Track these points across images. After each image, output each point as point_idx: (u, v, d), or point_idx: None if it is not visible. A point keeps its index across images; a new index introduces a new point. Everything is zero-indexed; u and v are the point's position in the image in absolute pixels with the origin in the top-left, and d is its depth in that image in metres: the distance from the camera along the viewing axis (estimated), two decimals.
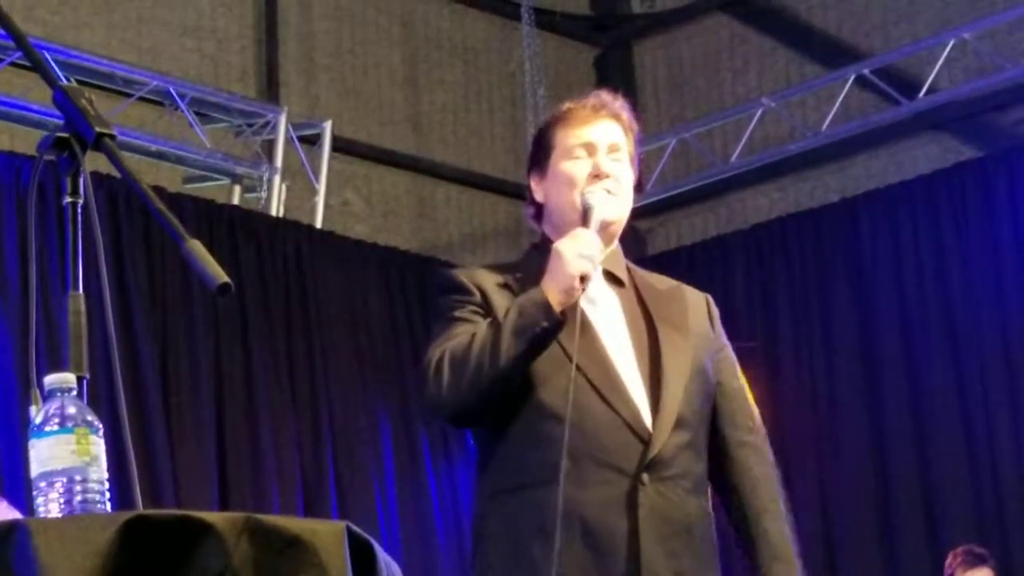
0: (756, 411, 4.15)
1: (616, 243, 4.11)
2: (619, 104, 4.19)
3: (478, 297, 3.97)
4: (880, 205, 10.19)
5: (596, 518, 3.81)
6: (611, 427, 3.86)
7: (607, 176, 3.99)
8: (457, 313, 3.95)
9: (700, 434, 3.96)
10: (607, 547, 3.79)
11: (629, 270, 4.13)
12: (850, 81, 10.08)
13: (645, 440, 3.83)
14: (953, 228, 9.87)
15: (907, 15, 10.73)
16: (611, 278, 4.05)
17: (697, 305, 4.19)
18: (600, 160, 4.00)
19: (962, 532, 9.27)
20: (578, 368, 3.84)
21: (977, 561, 8.26)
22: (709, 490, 4.00)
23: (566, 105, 4.17)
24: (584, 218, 3.91)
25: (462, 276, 4.05)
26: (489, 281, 4.02)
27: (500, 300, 3.95)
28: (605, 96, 4.20)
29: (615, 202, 3.99)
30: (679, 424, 3.87)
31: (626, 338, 3.98)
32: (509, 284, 3.99)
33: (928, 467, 9.65)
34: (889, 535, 9.70)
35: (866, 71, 10.04)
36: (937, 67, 9.73)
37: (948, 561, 8.32)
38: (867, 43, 10.70)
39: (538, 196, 4.09)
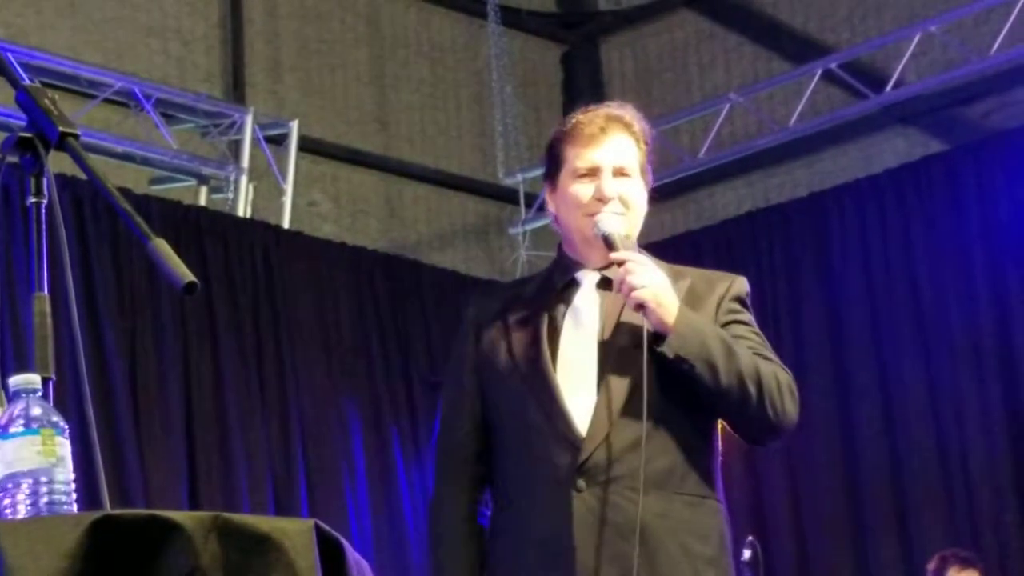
0: (785, 373, 3.99)
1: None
2: (629, 115, 4.18)
3: (470, 344, 4.08)
4: (848, 199, 10.21)
5: (545, 531, 3.83)
6: (548, 438, 3.88)
7: (611, 199, 3.98)
8: (449, 378, 4.20)
9: (671, 427, 3.88)
10: (555, 560, 3.80)
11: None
12: (817, 76, 10.10)
13: (577, 447, 3.83)
14: (921, 222, 9.89)
15: (873, 9, 10.75)
16: (605, 283, 4.02)
17: (700, 290, 4.09)
18: (604, 184, 4.00)
19: (932, 523, 9.30)
20: (523, 380, 3.93)
21: (968, 563, 8.27)
22: (703, 479, 3.92)
23: (576, 117, 4.17)
24: (609, 246, 3.93)
25: (469, 313, 4.17)
26: (493, 308, 4.13)
27: (489, 335, 4.05)
28: (614, 109, 4.20)
29: (624, 220, 3.99)
30: (626, 424, 3.82)
31: (593, 344, 3.95)
32: (512, 302, 4.10)
33: (898, 457, 9.66)
34: (860, 528, 9.71)
35: (833, 65, 10.07)
36: (904, 61, 9.76)
37: (934, 564, 8.31)
38: (834, 37, 10.73)
39: (551, 207, 4.14)
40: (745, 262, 10.47)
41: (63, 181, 2.43)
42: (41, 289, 2.72)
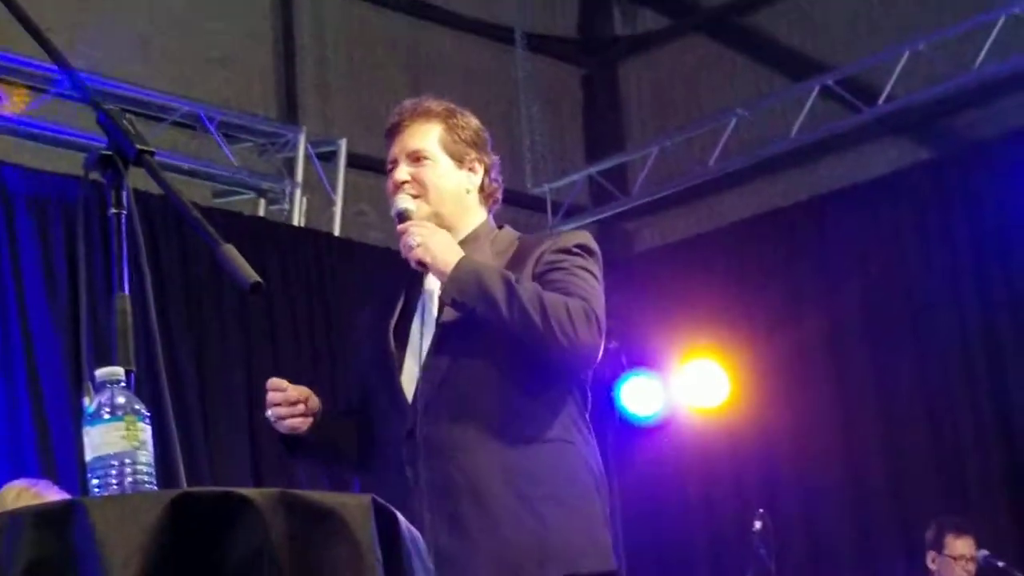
0: (578, 300, 3.78)
1: (470, 230, 4.02)
2: (429, 103, 4.13)
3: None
4: (845, 203, 10.18)
5: (387, 496, 3.71)
6: (390, 419, 3.86)
7: (401, 183, 3.97)
8: None
9: (498, 381, 3.78)
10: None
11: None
12: (815, 91, 10.07)
13: (407, 417, 3.80)
14: (912, 224, 9.85)
15: (865, 30, 10.72)
16: None
17: (525, 250, 3.97)
18: (397, 172, 3.99)
19: (930, 495, 9.29)
20: (373, 366, 3.96)
21: (962, 529, 8.25)
22: (537, 426, 3.77)
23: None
24: (400, 220, 3.95)
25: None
26: (378, 300, 4.22)
27: (364, 326, 4.19)
28: (405, 104, 4.15)
29: (422, 200, 3.96)
30: (446, 394, 3.76)
31: (431, 325, 3.90)
32: (386, 293, 4.17)
33: (895, 450, 9.63)
34: (862, 499, 9.69)
35: (829, 82, 10.03)
36: (894, 77, 9.72)
37: (931, 534, 8.29)
38: (830, 56, 10.69)
39: None
40: (752, 260, 10.48)
41: (136, 195, 2.47)
42: (122, 290, 2.74)
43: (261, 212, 9.77)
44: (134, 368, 2.65)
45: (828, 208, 10.29)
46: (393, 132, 4.05)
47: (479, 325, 3.73)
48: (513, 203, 11.32)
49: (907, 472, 9.61)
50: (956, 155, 10.02)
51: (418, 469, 3.74)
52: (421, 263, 3.82)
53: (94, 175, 2.84)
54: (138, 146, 2.79)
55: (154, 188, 2.94)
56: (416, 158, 3.98)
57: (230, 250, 2.83)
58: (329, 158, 10.01)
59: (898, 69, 9.71)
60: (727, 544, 9.75)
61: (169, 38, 9.89)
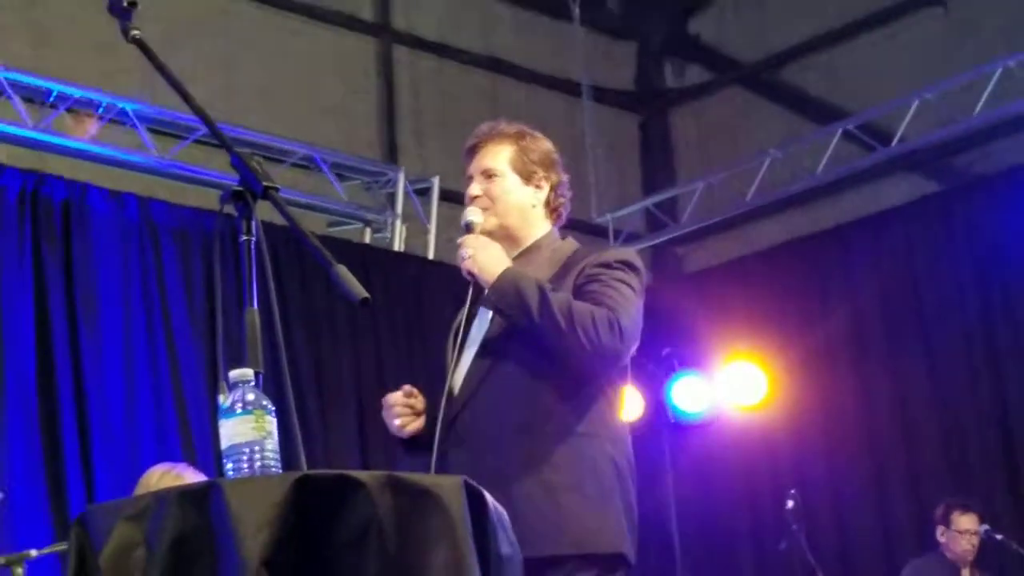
0: (604, 310, 3.64)
1: (532, 240, 3.90)
2: (492, 131, 4.01)
3: None
4: (865, 230, 10.14)
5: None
6: (438, 402, 3.74)
7: (475, 197, 3.88)
8: None
9: (529, 381, 3.63)
10: None
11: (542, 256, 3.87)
12: (838, 134, 10.02)
13: (451, 413, 3.70)
14: (922, 248, 9.80)
15: (881, 81, 10.67)
16: None
17: (573, 262, 3.83)
18: (471, 188, 3.91)
19: (941, 480, 9.22)
20: (445, 357, 3.85)
21: (968, 508, 8.19)
22: (564, 422, 3.62)
23: None
24: (467, 231, 3.87)
25: None
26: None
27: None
28: (482, 127, 4.05)
29: (490, 212, 3.87)
30: (485, 390, 3.65)
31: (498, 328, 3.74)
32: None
33: (909, 441, 9.58)
34: (882, 483, 9.65)
35: (850, 126, 9.98)
36: (906, 121, 9.67)
37: (940, 511, 8.24)
38: (850, 104, 10.64)
39: None
40: (784, 279, 10.43)
41: (263, 225, 2.49)
42: (252, 304, 2.76)
43: (367, 239, 9.81)
44: (261, 370, 2.67)
45: (850, 234, 10.24)
46: (471, 152, 3.96)
47: (519, 333, 3.63)
48: (579, 230, 11.34)
49: (919, 459, 9.54)
50: (959, 189, 9.95)
51: (452, 454, 3.63)
52: (470, 273, 3.74)
53: (228, 208, 2.86)
54: (264, 183, 2.82)
55: (277, 219, 2.96)
56: (488, 175, 3.89)
57: (342, 270, 2.85)
58: (424, 193, 10.04)
59: (909, 115, 9.66)
60: (765, 521, 9.70)
61: (288, 92, 9.96)
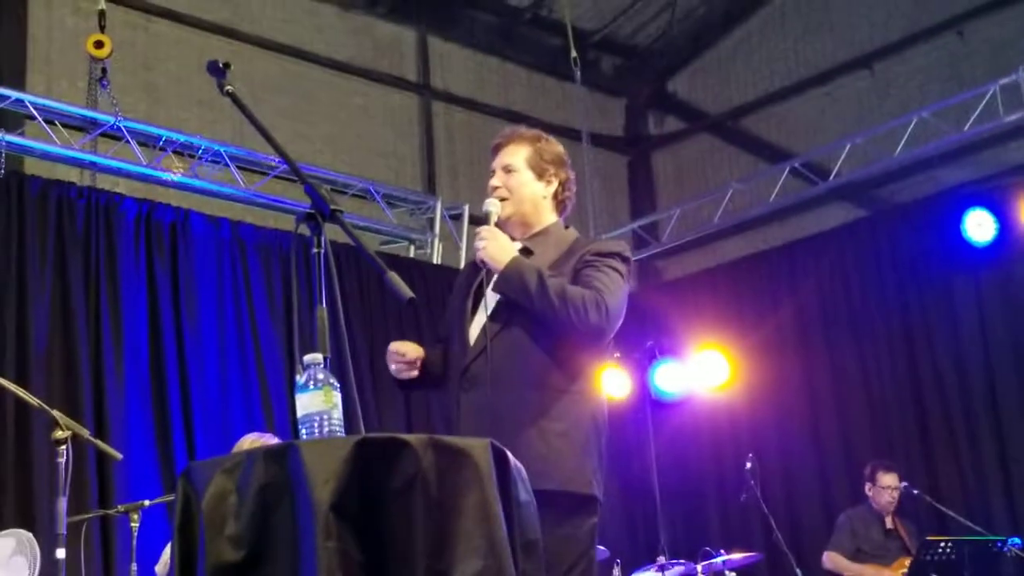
0: (593, 292, 3.54)
1: (542, 227, 3.77)
2: (513, 133, 3.87)
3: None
4: (808, 247, 10.11)
5: (448, 413, 3.60)
6: (456, 357, 3.61)
7: (495, 188, 3.75)
8: None
9: (530, 345, 3.51)
10: (450, 431, 3.56)
11: (545, 242, 3.74)
12: (786, 171, 10.00)
13: (466, 361, 3.55)
14: (854, 261, 9.76)
15: (820, 128, 10.66)
16: (526, 252, 3.69)
17: (575, 249, 3.72)
18: (492, 180, 3.77)
19: (872, 447, 9.21)
20: (455, 319, 3.72)
21: (889, 468, 8.16)
22: (552, 378, 3.51)
23: None
24: (486, 219, 3.72)
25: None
26: (466, 270, 3.94)
27: (455, 289, 3.93)
28: (506, 129, 3.91)
29: (509, 202, 3.74)
30: (495, 347, 3.49)
31: (494, 298, 3.60)
32: (473, 267, 3.85)
33: (844, 414, 9.58)
34: (823, 472, 9.63)
35: (796, 164, 9.97)
36: (840, 160, 9.66)
37: (867, 470, 8.19)
38: (796, 146, 10.63)
39: None
40: (744, 287, 10.41)
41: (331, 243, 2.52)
42: (322, 304, 2.77)
43: (411, 254, 9.81)
44: (329, 355, 2.66)
45: (796, 250, 10.21)
46: (495, 150, 3.84)
47: (522, 308, 3.53)
48: None
49: (851, 428, 9.52)
50: (884, 214, 9.91)
51: (464, 397, 3.51)
52: (482, 261, 3.60)
53: (302, 228, 2.86)
54: (332, 207, 2.82)
55: (339, 238, 2.96)
56: (507, 170, 3.78)
57: (393, 276, 2.86)
58: (457, 218, 10.04)
59: (843, 155, 9.65)
60: (728, 478, 9.67)
61: (349, 138, 9.99)
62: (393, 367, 3.79)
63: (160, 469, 7.36)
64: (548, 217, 3.81)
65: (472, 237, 10.16)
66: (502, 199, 3.75)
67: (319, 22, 10.07)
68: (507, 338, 3.52)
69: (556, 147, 3.88)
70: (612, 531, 10.26)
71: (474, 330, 3.61)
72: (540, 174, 3.79)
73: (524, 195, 3.76)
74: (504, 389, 3.45)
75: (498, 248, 3.60)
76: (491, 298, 3.62)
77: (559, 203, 3.85)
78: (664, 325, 10.39)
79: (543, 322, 3.50)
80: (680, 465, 10.16)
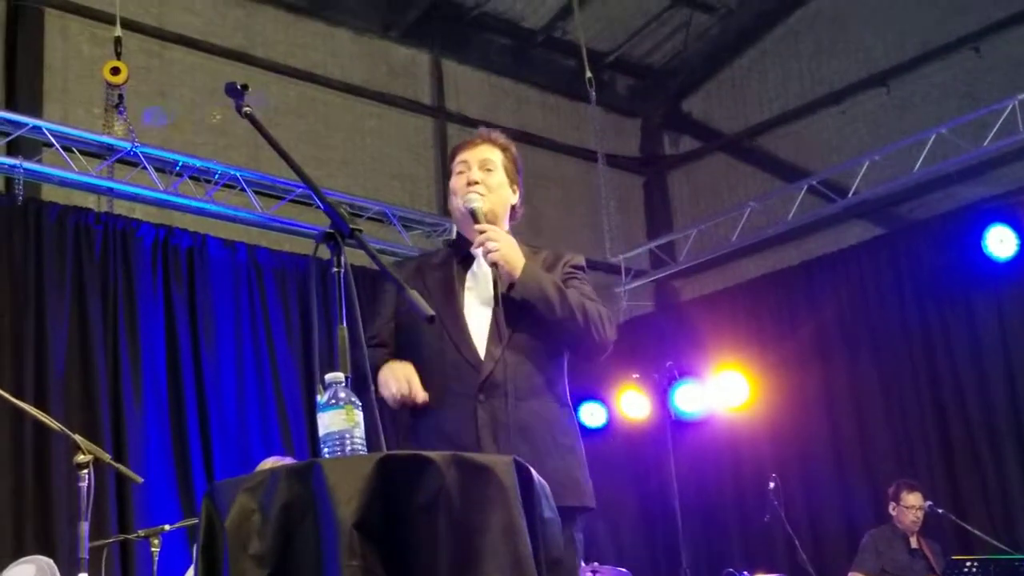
0: (603, 307, 3.47)
1: (506, 229, 3.57)
2: (494, 134, 3.67)
3: (392, 292, 3.57)
4: (827, 265, 10.10)
5: (453, 429, 3.26)
6: (458, 365, 3.33)
7: (476, 183, 3.52)
8: (379, 311, 3.60)
9: (539, 355, 3.38)
10: (466, 451, 3.05)
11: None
12: (804, 189, 10.00)
13: (478, 369, 3.31)
14: (872, 278, 9.75)
15: (839, 146, 10.66)
16: None
17: (551, 260, 3.59)
18: (471, 174, 3.54)
19: (893, 468, 9.16)
20: (441, 323, 3.36)
21: (913, 488, 8.12)
22: (558, 390, 3.40)
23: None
24: (474, 217, 3.47)
25: (393, 272, 3.28)
26: (410, 269, 3.60)
27: (410, 286, 3.25)
28: (483, 129, 3.70)
29: (487, 199, 3.51)
30: (508, 354, 3.31)
31: (489, 300, 3.39)
32: (424, 267, 3.57)
33: (865, 434, 9.54)
34: (841, 472, 9.58)
35: (814, 182, 9.97)
36: (858, 179, 9.64)
37: (891, 490, 8.16)
38: (813, 165, 10.63)
39: (450, 204, 3.64)
40: (762, 307, 10.40)
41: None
42: (342, 323, 2.75)
43: None
44: (349, 374, 2.66)
45: (814, 269, 10.20)
46: (468, 145, 3.62)
47: (530, 311, 3.36)
48: (598, 269, 11.35)
49: (873, 447, 9.48)
50: (901, 231, 9.90)
51: (484, 407, 3.28)
52: (495, 264, 3.38)
53: (321, 248, 2.85)
54: (352, 226, 2.81)
55: (357, 260, 2.94)
56: (486, 167, 3.57)
57: (413, 293, 2.85)
58: None
59: (861, 173, 9.64)
60: (749, 499, 9.64)
61: (365, 161, 10.02)
62: (403, 393, 3.36)
63: (179, 493, 7.36)
64: (506, 225, 3.63)
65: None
66: (481, 195, 3.55)
67: (333, 46, 10.12)
68: (518, 346, 3.39)
69: (519, 160, 3.74)
70: (633, 552, 10.22)
71: (476, 335, 3.40)
72: (512, 181, 3.65)
73: (501, 196, 3.58)
74: (520, 401, 3.33)
75: (512, 250, 3.43)
76: (477, 294, 3.46)
77: (515, 213, 3.69)
78: (683, 346, 10.37)
79: (553, 331, 3.39)
80: (701, 485, 10.13)
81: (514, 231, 3.60)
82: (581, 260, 3.64)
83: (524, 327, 3.38)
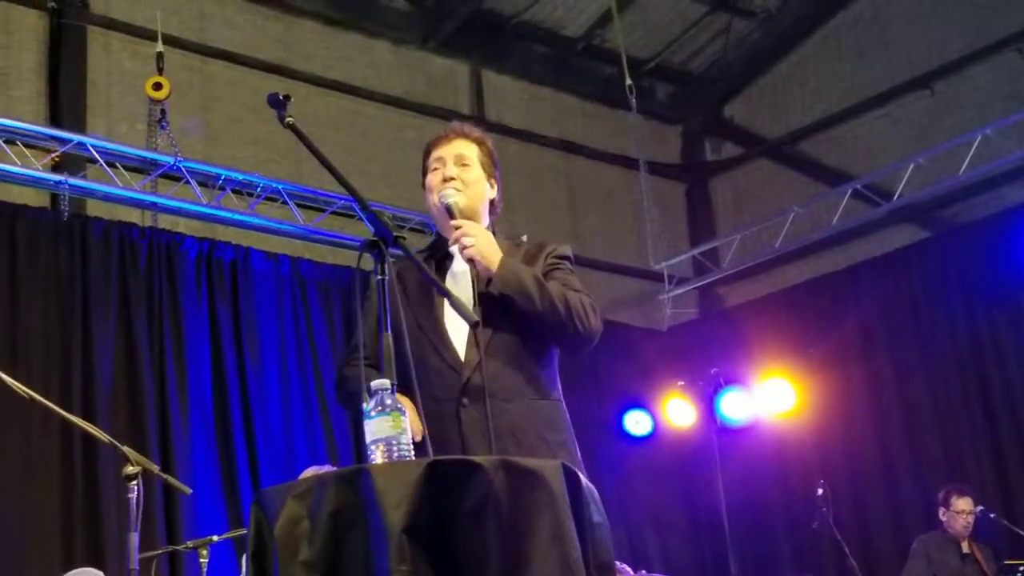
0: (586, 296, 3.36)
1: (485, 225, 3.50)
2: (467, 127, 3.61)
3: (373, 299, 3.32)
4: (872, 270, 10.04)
5: (438, 433, 3.08)
6: (440, 371, 3.24)
7: (453, 178, 3.45)
8: (363, 319, 3.39)
9: (523, 351, 3.29)
10: (447, 452, 3.06)
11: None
12: (848, 193, 9.94)
13: (459, 372, 3.22)
14: (918, 282, 9.70)
15: (882, 150, 10.60)
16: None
17: (533, 251, 3.52)
18: (447, 169, 3.46)
19: (940, 475, 9.09)
20: (420, 329, 3.28)
21: (963, 492, 8.06)
22: (546, 385, 3.31)
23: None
24: (449, 213, 3.40)
25: (371, 279, 3.09)
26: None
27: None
28: (454, 124, 3.63)
29: (464, 195, 3.44)
30: (490, 357, 3.22)
31: (469, 301, 3.27)
32: (403, 271, 3.35)
33: (914, 438, 9.47)
34: (892, 477, 9.52)
35: (858, 186, 9.91)
36: (903, 182, 9.58)
37: (941, 495, 8.10)
38: (857, 169, 10.57)
39: (426, 202, 3.55)
40: (807, 312, 10.34)
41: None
42: (387, 330, 2.76)
43: None
44: (396, 381, 2.65)
45: (859, 273, 10.14)
46: (442, 141, 3.54)
47: (510, 307, 3.28)
48: (639, 276, 11.34)
49: (922, 451, 9.40)
50: (947, 235, 9.84)
51: (468, 412, 3.18)
52: (471, 259, 3.31)
53: (366, 257, 2.84)
54: (395, 234, 2.82)
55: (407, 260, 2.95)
56: (462, 162, 3.50)
57: (458, 300, 2.86)
58: None
59: (906, 176, 9.58)
60: (797, 505, 9.58)
61: (405, 172, 10.02)
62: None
63: (226, 504, 7.41)
64: (485, 220, 3.57)
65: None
66: (457, 191, 3.47)
67: (373, 58, 10.16)
68: (500, 344, 3.29)
69: (495, 154, 3.68)
70: (681, 559, 10.17)
71: (456, 338, 3.31)
72: (489, 175, 3.58)
73: (478, 191, 3.51)
74: (507, 402, 3.24)
75: (489, 245, 3.36)
76: (456, 293, 3.28)
77: (493, 207, 3.62)
78: (727, 352, 10.33)
79: (535, 325, 3.30)
80: (748, 492, 10.07)
81: (513, 227, 3.56)
82: (566, 250, 3.55)
83: (506, 324, 3.28)
